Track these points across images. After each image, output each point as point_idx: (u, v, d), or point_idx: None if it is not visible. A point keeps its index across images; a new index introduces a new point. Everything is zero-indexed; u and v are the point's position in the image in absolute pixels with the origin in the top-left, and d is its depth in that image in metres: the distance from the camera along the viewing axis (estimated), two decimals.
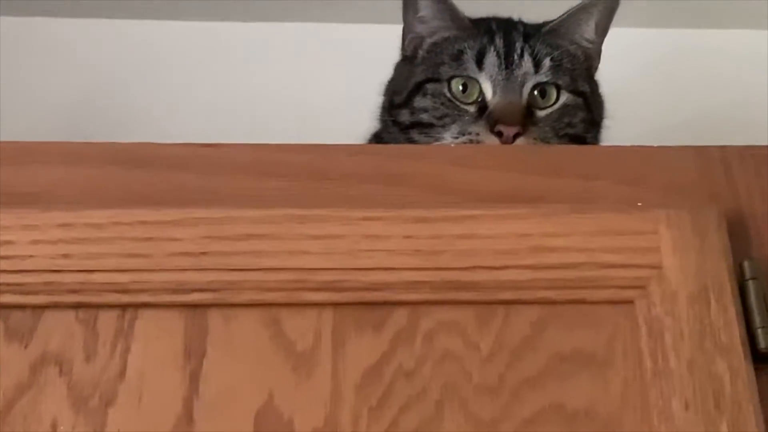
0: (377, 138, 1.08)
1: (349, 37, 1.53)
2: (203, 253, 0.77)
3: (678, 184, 0.84)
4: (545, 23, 1.06)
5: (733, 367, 0.73)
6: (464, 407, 0.74)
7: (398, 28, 1.13)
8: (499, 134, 0.97)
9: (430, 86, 1.03)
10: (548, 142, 1.00)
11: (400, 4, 1.10)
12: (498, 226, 0.79)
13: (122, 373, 0.74)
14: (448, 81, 1.01)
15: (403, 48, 1.09)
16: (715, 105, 1.42)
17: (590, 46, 1.08)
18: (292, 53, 1.53)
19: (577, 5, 1.07)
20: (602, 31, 1.08)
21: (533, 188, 0.84)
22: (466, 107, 1.01)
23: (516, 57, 1.02)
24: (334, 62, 1.50)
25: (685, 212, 0.79)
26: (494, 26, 1.06)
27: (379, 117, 1.10)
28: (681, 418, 0.72)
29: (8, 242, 0.76)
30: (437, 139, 1.00)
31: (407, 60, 1.09)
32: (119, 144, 0.84)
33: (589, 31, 1.07)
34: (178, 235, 0.78)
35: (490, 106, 0.99)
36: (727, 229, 0.80)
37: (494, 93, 1.00)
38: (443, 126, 1.00)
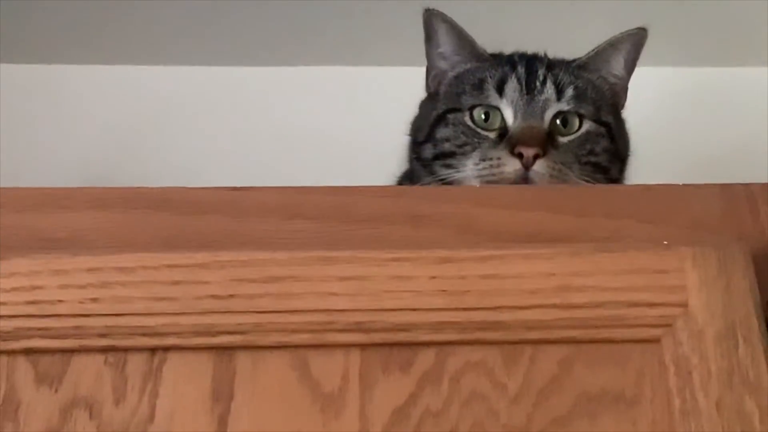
0: (407, 178, 1.08)
1: (372, 79, 1.54)
2: (231, 296, 0.77)
3: (703, 222, 0.84)
4: (573, 59, 1.06)
5: (762, 405, 0.73)
6: None
7: (421, 70, 1.13)
8: (520, 156, 0.96)
9: (451, 116, 1.02)
10: (570, 168, 0.98)
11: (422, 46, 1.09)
12: (523, 265, 0.79)
13: (151, 417, 0.74)
14: (470, 110, 1.01)
15: (427, 85, 1.10)
16: (741, 142, 1.41)
17: (617, 81, 1.07)
18: (313, 95, 1.55)
19: (605, 42, 1.07)
20: (630, 66, 1.08)
21: (558, 228, 0.83)
22: (487, 134, 1.00)
23: (538, 84, 1.01)
24: (356, 104, 1.52)
25: (711, 250, 0.78)
26: (516, 58, 1.06)
27: (407, 157, 1.10)
28: None
29: (37, 287, 0.77)
30: (459, 169, 0.99)
31: (431, 97, 1.09)
32: (146, 188, 0.85)
33: (617, 67, 1.07)
34: (205, 278, 0.78)
35: (511, 130, 0.99)
36: (754, 267, 0.79)
37: (515, 118, 1.00)
38: (464, 154, 1.00)
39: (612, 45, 1.05)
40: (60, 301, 0.77)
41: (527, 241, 0.83)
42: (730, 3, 1.40)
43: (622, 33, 1.06)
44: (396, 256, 0.79)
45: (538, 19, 1.43)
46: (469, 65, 1.06)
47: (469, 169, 0.99)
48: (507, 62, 1.04)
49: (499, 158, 0.97)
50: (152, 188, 0.85)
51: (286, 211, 0.84)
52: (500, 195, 0.91)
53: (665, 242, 0.81)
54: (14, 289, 0.77)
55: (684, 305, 0.77)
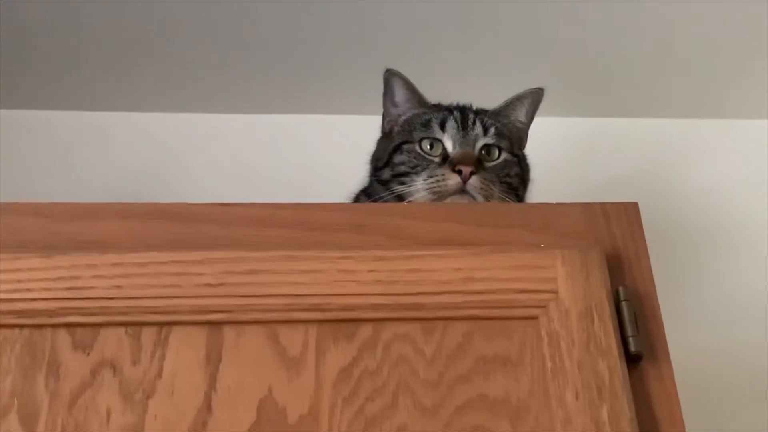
0: (364, 192, 1.13)
1: (336, 125, 1.54)
2: (220, 284, 0.80)
3: (570, 231, 0.87)
4: (492, 109, 1.12)
5: (611, 366, 0.78)
6: (413, 397, 0.77)
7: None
8: (459, 172, 1.01)
9: (405, 146, 1.07)
10: (493, 184, 1.04)
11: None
12: (437, 262, 0.82)
13: (159, 374, 0.76)
14: (419, 141, 1.06)
15: (383, 128, 1.16)
16: (602, 174, 1.47)
17: (522, 126, 1.14)
18: (285, 141, 1.54)
19: (513, 96, 1.13)
20: (531, 116, 1.14)
21: (463, 235, 0.87)
22: (432, 158, 1.05)
23: (470, 123, 1.07)
24: (325, 145, 1.51)
25: (576, 252, 0.83)
26: (453, 106, 1.12)
27: (367, 177, 1.15)
28: (573, 405, 0.76)
29: (75, 277, 0.79)
30: (411, 185, 1.05)
31: (385, 136, 1.15)
32: (159, 204, 0.87)
33: (522, 115, 1.14)
34: (201, 270, 0.80)
35: (451, 155, 1.04)
36: (607, 264, 0.83)
37: (454, 146, 1.06)
38: (416, 173, 1.05)
39: (518, 98, 1.13)
40: (92, 287, 0.79)
41: (440, 244, 0.86)
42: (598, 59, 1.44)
43: (525, 90, 1.13)
44: (343, 255, 0.82)
45: (460, 79, 1.45)
46: (417, 111, 1.12)
47: (420, 184, 1.04)
48: (446, 109, 1.12)
49: (443, 175, 1.02)
50: (162, 203, 0.87)
51: (262, 222, 0.86)
52: (421, 210, 0.94)
53: (542, 245, 0.85)
54: (58, 278, 0.79)
55: (555, 292, 0.81)
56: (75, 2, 1.33)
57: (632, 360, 0.80)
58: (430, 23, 1.38)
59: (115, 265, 0.80)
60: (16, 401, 0.74)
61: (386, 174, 1.08)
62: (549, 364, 0.78)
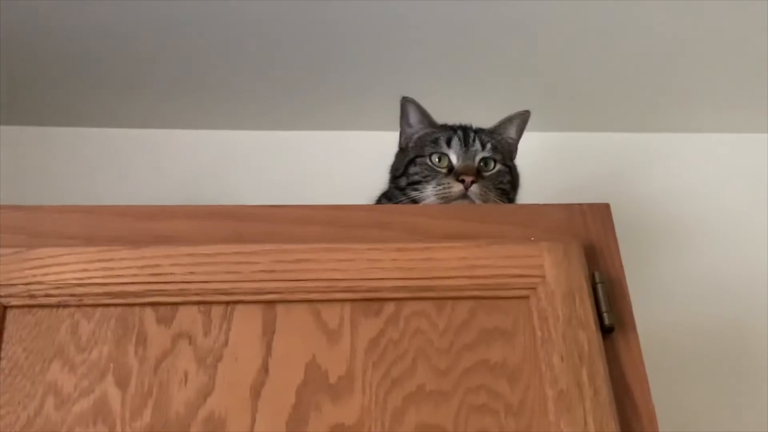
0: (385, 196, 1.22)
1: (361, 142, 1.59)
2: (272, 271, 0.85)
3: (554, 227, 0.92)
4: (488, 128, 1.19)
5: (589, 336, 0.83)
6: (429, 362, 0.82)
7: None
8: (462, 181, 1.09)
9: (418, 159, 1.16)
10: (490, 190, 1.11)
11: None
12: (447, 252, 0.87)
13: (225, 343, 0.82)
14: (429, 156, 1.14)
15: (400, 144, 1.24)
16: (578, 180, 1.51)
17: (513, 142, 1.22)
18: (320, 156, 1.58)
19: (505, 117, 1.21)
20: (520, 133, 1.22)
21: (468, 230, 0.91)
22: (440, 170, 1.13)
23: (471, 140, 1.15)
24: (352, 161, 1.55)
25: (559, 244, 0.88)
26: (456, 126, 1.19)
27: (387, 184, 1.23)
28: (558, 367, 0.81)
29: (157, 265, 0.85)
30: (422, 191, 1.12)
31: (402, 150, 1.23)
32: (219, 205, 0.92)
33: (512, 133, 1.21)
34: (257, 260, 0.86)
35: (456, 167, 1.12)
36: (584, 254, 0.88)
37: (458, 160, 1.13)
38: (427, 182, 1.13)
39: (509, 119, 1.21)
40: (171, 273, 0.85)
41: (449, 238, 0.90)
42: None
43: (515, 112, 1.21)
44: (370, 247, 0.87)
45: (464, 102, 1.48)
46: (427, 130, 1.20)
47: (430, 190, 1.12)
48: (451, 128, 1.20)
49: (449, 183, 1.10)
50: (222, 205, 0.92)
51: (304, 220, 0.91)
52: (433, 211, 1.00)
53: (531, 239, 0.90)
54: (143, 266, 0.85)
55: (542, 277, 0.86)
56: (136, 35, 1.37)
57: (606, 331, 0.84)
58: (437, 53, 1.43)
59: (188, 255, 0.85)
60: (111, 365, 0.80)
61: (403, 182, 1.16)
62: (539, 335, 0.83)
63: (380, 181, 1.23)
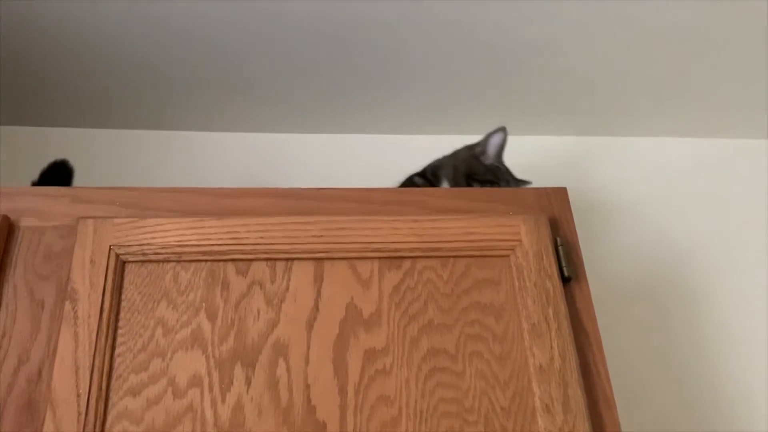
0: (410, 178, 1.28)
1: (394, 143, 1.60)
2: (320, 236, 0.93)
3: (528, 204, 0.99)
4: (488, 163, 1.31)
5: (554, 284, 0.91)
6: (436, 303, 0.90)
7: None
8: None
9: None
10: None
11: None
12: (450, 223, 0.95)
13: (287, 288, 0.90)
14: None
15: (474, 148, 1.30)
16: (544, 172, 1.48)
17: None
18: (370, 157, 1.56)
19: (491, 132, 1.30)
20: (503, 142, 1.30)
21: (465, 207, 0.97)
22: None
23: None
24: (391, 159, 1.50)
25: (531, 216, 0.96)
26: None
27: (420, 170, 1.30)
28: (531, 307, 0.89)
29: (235, 232, 0.92)
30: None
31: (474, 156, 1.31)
32: (281, 188, 0.98)
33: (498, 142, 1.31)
34: (309, 228, 0.93)
35: None
36: (549, 224, 0.96)
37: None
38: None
39: (494, 132, 1.30)
40: (246, 238, 0.93)
41: (451, 212, 0.97)
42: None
43: (497, 128, 1.30)
44: (393, 219, 0.95)
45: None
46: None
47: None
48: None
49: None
50: (283, 188, 0.98)
51: (344, 198, 0.98)
52: (439, 192, 1.05)
53: (510, 213, 0.98)
54: (226, 232, 0.92)
55: (519, 240, 0.95)
56: (146, 36, 1.26)
57: (566, 281, 0.93)
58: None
59: (258, 224, 0.92)
60: (204, 305, 0.88)
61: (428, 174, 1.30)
62: (517, 284, 0.90)
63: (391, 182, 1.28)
